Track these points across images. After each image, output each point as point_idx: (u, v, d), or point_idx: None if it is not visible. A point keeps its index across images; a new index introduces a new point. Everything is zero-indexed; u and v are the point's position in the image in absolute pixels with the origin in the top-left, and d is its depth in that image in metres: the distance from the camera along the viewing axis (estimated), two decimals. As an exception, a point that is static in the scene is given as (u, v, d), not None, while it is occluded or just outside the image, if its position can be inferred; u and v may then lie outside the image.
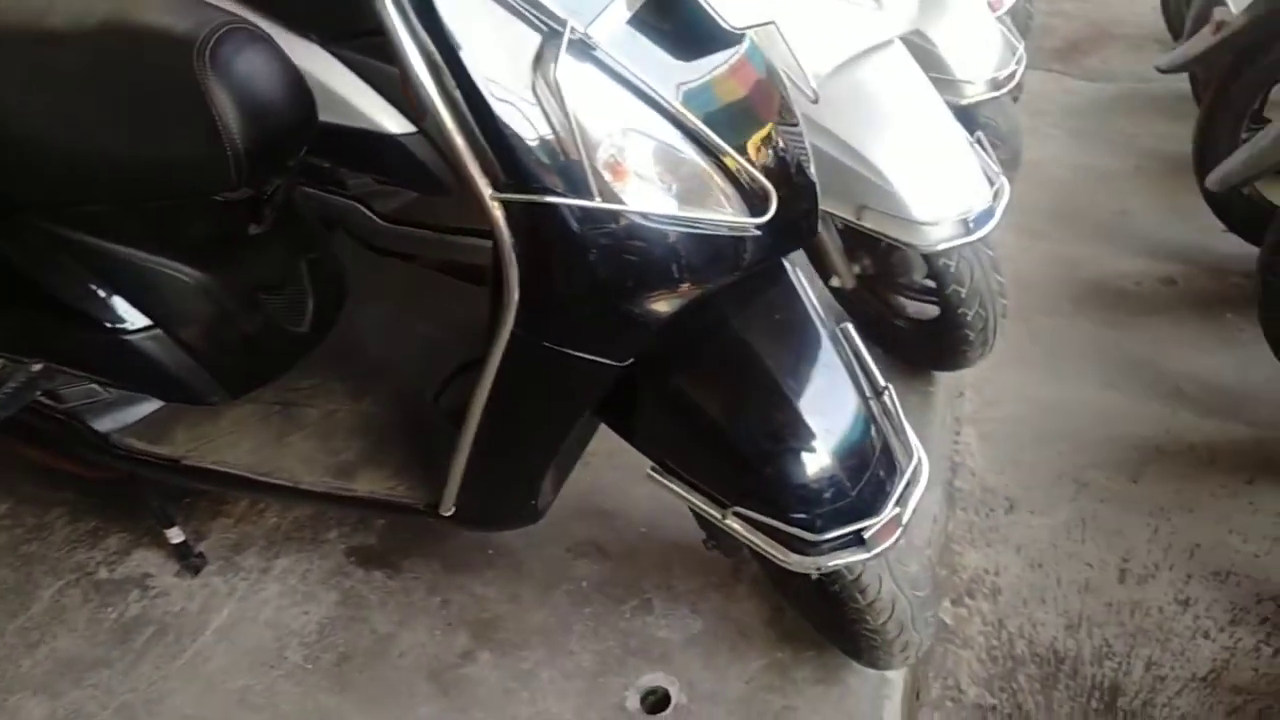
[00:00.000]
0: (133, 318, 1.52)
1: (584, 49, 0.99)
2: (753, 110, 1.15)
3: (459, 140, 1.00)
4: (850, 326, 1.30)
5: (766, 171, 1.12)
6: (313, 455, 1.54)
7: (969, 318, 1.86)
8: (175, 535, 1.83)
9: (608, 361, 1.15)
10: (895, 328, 2.13)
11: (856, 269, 2.05)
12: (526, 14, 0.98)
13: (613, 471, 1.95)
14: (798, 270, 1.27)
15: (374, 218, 1.97)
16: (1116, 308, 2.70)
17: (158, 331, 1.52)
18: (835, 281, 2.08)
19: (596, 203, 1.01)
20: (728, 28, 1.05)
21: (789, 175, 1.16)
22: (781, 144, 1.15)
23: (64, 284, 1.49)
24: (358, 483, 1.50)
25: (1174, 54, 2.60)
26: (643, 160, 1.05)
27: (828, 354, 1.23)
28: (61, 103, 1.34)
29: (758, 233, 1.11)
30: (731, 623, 1.69)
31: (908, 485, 1.22)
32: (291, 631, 1.75)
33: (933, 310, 1.95)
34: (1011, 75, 2.18)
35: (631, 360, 1.16)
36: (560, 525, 1.85)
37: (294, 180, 1.66)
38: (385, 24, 0.95)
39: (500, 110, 0.98)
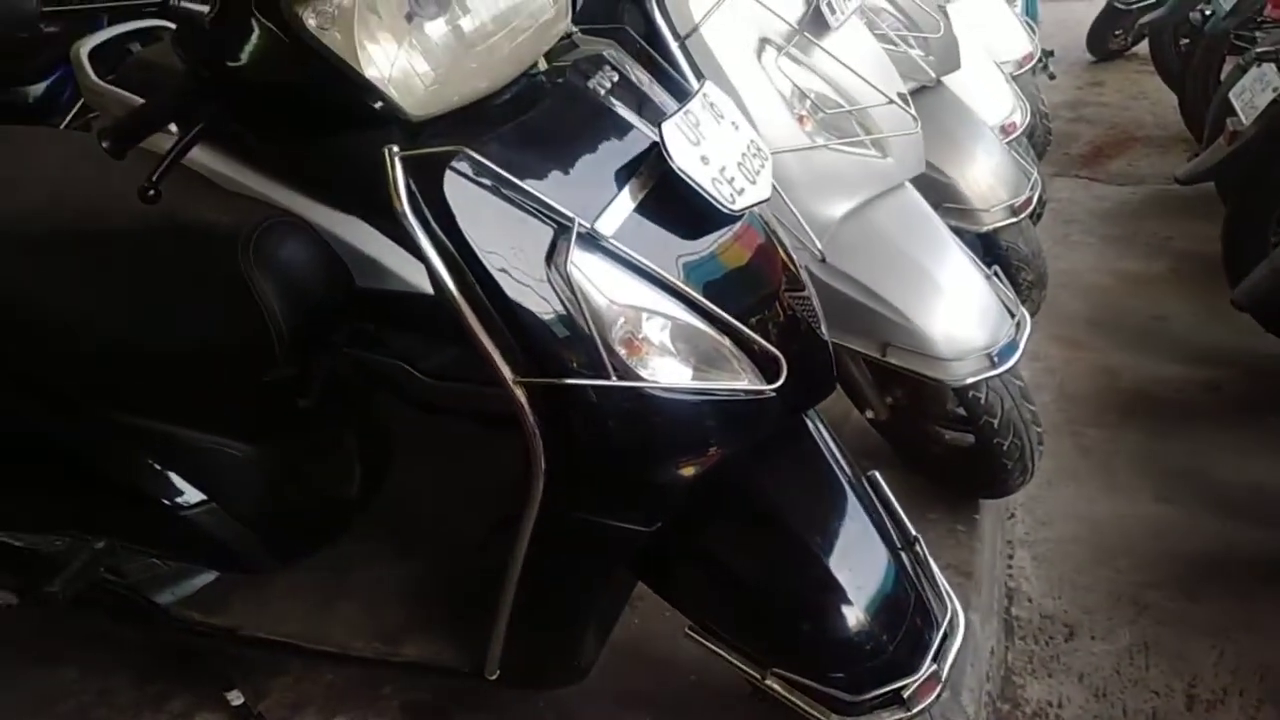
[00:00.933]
0: (188, 493, 1.58)
1: (592, 241, 1.06)
2: (758, 278, 1.20)
3: (480, 330, 1.06)
4: (878, 475, 1.32)
5: (778, 335, 1.17)
6: (361, 621, 1.58)
7: (1005, 447, 1.86)
8: (235, 698, 1.86)
9: (636, 528, 1.18)
10: (935, 455, 2.13)
11: (889, 399, 2.07)
12: (537, 213, 1.05)
13: (662, 616, 1.95)
14: (819, 424, 1.30)
15: (418, 375, 2.04)
16: (1162, 417, 2.68)
17: (212, 505, 1.59)
18: (869, 414, 2.10)
19: (613, 381, 1.06)
20: (727, 210, 1.11)
21: (800, 337, 1.20)
22: (790, 308, 1.20)
23: (121, 464, 1.56)
24: (405, 648, 1.52)
25: (1191, 165, 2.65)
26: (655, 338, 1.10)
27: (854, 507, 1.24)
28: (116, 297, 1.44)
29: (773, 395, 1.14)
30: (787, 776, 1.65)
31: (944, 639, 1.22)
32: (349, 797, 1.75)
33: (969, 439, 1.96)
34: (1028, 201, 2.23)
35: (659, 524, 1.19)
36: (610, 674, 1.82)
37: (337, 355, 1.74)
38: (407, 230, 1.02)
39: (517, 302, 1.05)
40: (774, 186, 1.30)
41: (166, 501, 1.57)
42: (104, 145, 1.12)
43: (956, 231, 2.22)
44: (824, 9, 1.62)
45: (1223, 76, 3.47)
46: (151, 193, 1.13)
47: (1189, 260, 3.37)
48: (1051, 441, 2.63)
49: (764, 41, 1.64)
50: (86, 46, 1.78)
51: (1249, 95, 2.51)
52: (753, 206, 1.15)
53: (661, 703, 1.82)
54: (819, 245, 1.36)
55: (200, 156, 1.69)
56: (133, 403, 1.54)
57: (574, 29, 1.36)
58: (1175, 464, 2.49)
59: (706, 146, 1.14)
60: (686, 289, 1.09)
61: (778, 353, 1.12)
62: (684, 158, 1.10)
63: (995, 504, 2.27)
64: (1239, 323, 2.78)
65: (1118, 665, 1.98)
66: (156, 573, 1.67)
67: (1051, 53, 4.80)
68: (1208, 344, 2.93)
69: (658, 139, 1.10)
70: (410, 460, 1.86)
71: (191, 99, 1.12)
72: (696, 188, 1.10)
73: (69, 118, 1.91)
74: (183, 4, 1.03)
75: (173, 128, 1.19)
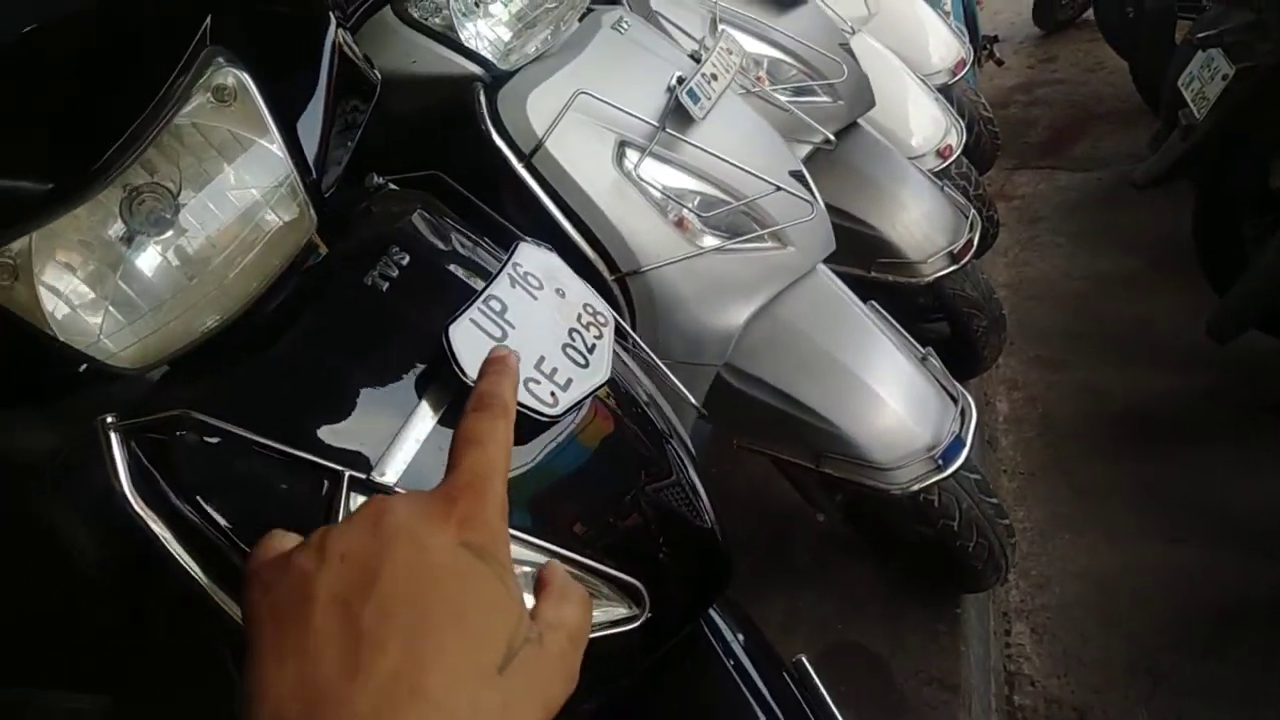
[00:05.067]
0: None
1: (374, 488, 0.85)
2: (608, 480, 0.98)
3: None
4: (805, 662, 1.10)
5: (644, 545, 0.96)
6: None
7: (970, 549, 1.64)
8: None
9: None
10: (902, 548, 1.91)
11: (839, 497, 1.85)
12: (299, 471, 0.84)
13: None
14: (718, 621, 1.09)
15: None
16: (1161, 438, 2.45)
17: None
18: (820, 516, 1.89)
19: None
20: (546, 418, 0.90)
21: (674, 540, 0.99)
22: (656, 506, 0.99)
23: None
24: None
25: (1146, 167, 2.43)
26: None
27: (763, 725, 1.03)
28: None
29: (647, 618, 0.93)
30: None
31: None
32: None
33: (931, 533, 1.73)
34: (968, 244, 2.01)
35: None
36: None
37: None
38: (133, 515, 0.82)
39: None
40: (633, 337, 1.11)
41: None
42: None
43: (896, 286, 2.02)
44: (684, 100, 1.41)
45: (1177, 39, 3.23)
46: None
47: (1166, 249, 3.10)
48: (1042, 485, 2.43)
49: (623, 145, 1.42)
50: None
51: (1198, 85, 2.27)
52: (581, 401, 0.94)
53: None
54: (695, 402, 1.16)
55: None
56: None
57: (379, 181, 1.16)
58: (1182, 494, 2.26)
59: (517, 337, 0.93)
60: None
61: (634, 582, 0.91)
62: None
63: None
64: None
65: (1139, 755, 1.76)
66: None
67: (996, 38, 4.59)
68: (1198, 345, 2.65)
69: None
70: None
71: None
72: (500, 400, 0.88)
73: None
74: None
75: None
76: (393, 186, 1.16)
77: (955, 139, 2.47)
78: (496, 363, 0.54)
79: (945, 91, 2.79)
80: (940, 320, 2.26)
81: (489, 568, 0.46)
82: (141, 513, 0.82)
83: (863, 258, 2.01)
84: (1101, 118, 4.19)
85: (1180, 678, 1.87)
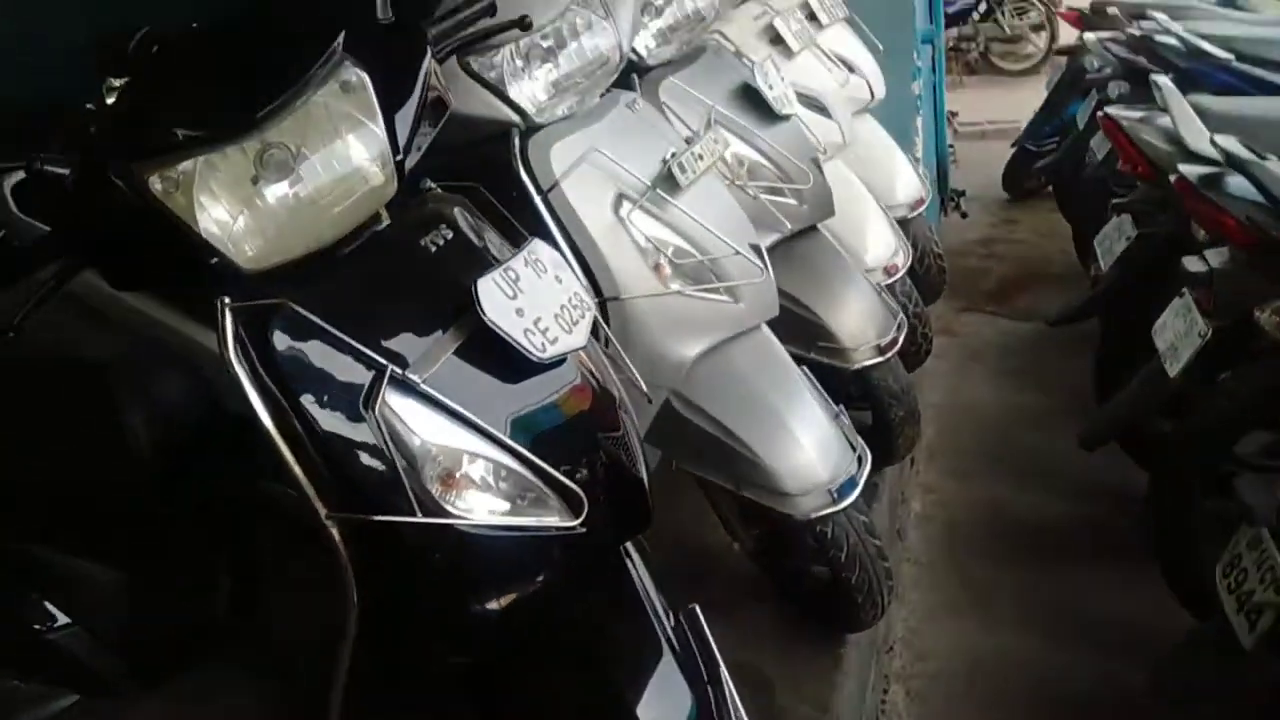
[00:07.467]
0: (53, 616, 1.61)
1: (407, 386, 1.15)
2: (572, 420, 1.29)
3: (296, 468, 1.13)
4: (697, 610, 1.39)
5: (588, 475, 1.26)
6: None
7: (853, 581, 1.94)
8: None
9: (455, 659, 1.24)
10: (803, 589, 2.20)
11: (755, 532, 2.15)
12: (355, 360, 1.14)
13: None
14: (636, 562, 1.38)
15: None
16: (1045, 552, 2.76)
17: (76, 628, 1.62)
18: (737, 545, 2.18)
19: (419, 518, 1.13)
20: (536, 358, 1.21)
21: (612, 476, 1.29)
22: (604, 450, 1.29)
23: None
24: None
25: (1060, 308, 2.82)
26: (475, 474, 1.18)
27: (662, 646, 1.31)
28: None
29: (582, 531, 1.22)
30: None
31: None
32: None
33: (828, 573, 2.03)
34: (894, 341, 2.37)
35: (475, 657, 1.25)
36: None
37: (212, 481, 1.79)
38: (230, 371, 1.11)
39: (331, 441, 1.13)
40: (606, 334, 1.42)
41: (32, 625, 1.60)
42: None
43: (829, 369, 2.35)
44: (674, 170, 1.77)
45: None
46: (11, 334, 1.21)
47: (1077, 393, 3.46)
48: (937, 574, 2.73)
49: (621, 196, 1.77)
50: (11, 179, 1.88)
51: (1109, 243, 2.70)
52: (564, 354, 1.26)
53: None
54: (645, 390, 1.48)
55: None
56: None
57: (431, 185, 1.48)
58: (1055, 600, 2.56)
59: (524, 300, 1.24)
60: (492, 429, 1.18)
61: (578, 490, 1.20)
62: (497, 310, 1.20)
63: (868, 638, 2.31)
64: (1118, 456, 2.89)
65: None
66: (17, 696, 1.68)
67: (963, 192, 5.05)
68: (1095, 479, 2.99)
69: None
70: (282, 586, 1.90)
71: (51, 251, 1.23)
72: (505, 337, 1.20)
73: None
74: (47, 168, 1.14)
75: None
76: (439, 190, 1.49)
77: (901, 260, 2.86)
78: None
79: (903, 224, 3.19)
80: (865, 410, 2.59)
81: None
82: (241, 374, 1.11)
83: (806, 340, 2.35)
84: (1047, 278, 4.63)
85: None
